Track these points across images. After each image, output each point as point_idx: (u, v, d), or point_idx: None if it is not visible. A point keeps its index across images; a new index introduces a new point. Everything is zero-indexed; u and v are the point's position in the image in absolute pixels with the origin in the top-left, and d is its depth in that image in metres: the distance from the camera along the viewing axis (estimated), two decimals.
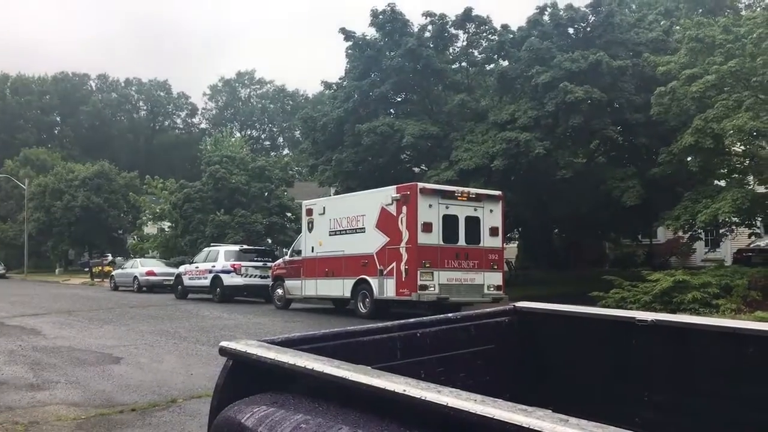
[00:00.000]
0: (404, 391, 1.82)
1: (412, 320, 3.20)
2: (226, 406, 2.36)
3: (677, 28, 23.80)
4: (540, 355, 3.51)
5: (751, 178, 19.57)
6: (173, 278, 27.67)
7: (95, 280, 41.58)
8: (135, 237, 46.52)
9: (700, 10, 36.93)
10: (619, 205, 21.55)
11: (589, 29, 23.96)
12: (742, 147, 18.83)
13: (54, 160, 65.16)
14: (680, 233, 22.80)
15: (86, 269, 48.24)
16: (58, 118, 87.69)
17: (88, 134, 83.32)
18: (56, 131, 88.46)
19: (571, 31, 24.57)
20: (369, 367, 2.10)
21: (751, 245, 24.12)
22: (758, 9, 27.44)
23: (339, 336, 2.86)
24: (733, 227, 20.59)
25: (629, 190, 20.82)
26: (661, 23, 25.10)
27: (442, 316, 3.36)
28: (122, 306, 21.89)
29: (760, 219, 20.78)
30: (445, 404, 1.70)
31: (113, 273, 35.45)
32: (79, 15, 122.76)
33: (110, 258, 47.90)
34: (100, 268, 43.23)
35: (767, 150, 18.71)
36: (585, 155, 24.07)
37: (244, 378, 2.46)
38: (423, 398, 1.76)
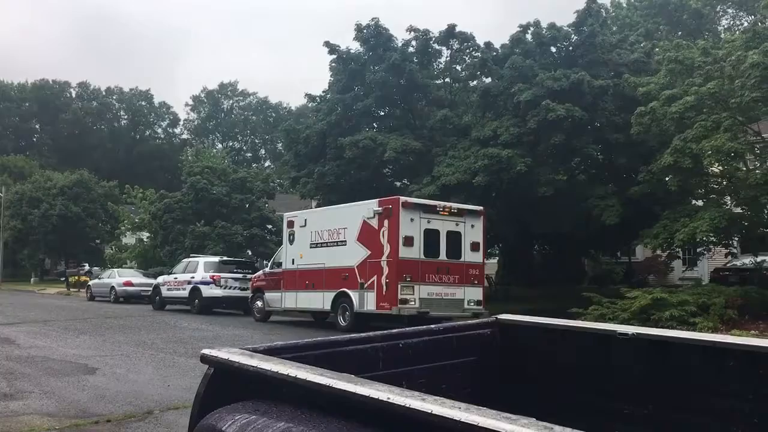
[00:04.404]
0: (388, 399, 1.81)
1: (394, 331, 3.20)
2: (206, 414, 2.33)
3: (657, 49, 24.18)
4: (521, 367, 3.51)
5: (728, 198, 19.83)
6: (151, 289, 27.37)
7: (71, 290, 40.98)
8: (113, 247, 45.98)
9: (680, 33, 37.61)
10: (599, 223, 21.70)
11: (571, 48, 24.22)
12: (720, 167, 19.08)
13: (32, 168, 64.39)
14: (659, 251, 23.00)
15: (62, 279, 47.56)
16: (37, 126, 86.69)
17: (67, 142, 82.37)
18: (35, 139, 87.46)
19: (553, 49, 24.83)
20: (353, 375, 2.09)
21: (728, 265, 24.38)
22: (737, 32, 27.96)
23: (321, 345, 2.85)
24: (711, 246, 20.81)
25: (609, 209, 20.98)
26: (642, 44, 25.44)
27: (424, 327, 3.36)
28: (99, 316, 21.60)
29: (736, 239, 21.04)
30: (429, 412, 1.70)
31: (90, 283, 34.95)
32: (56, 22, 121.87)
33: (87, 268, 47.29)
34: (76, 277, 42.63)
35: (744, 171, 18.98)
36: (566, 173, 24.28)
37: (225, 386, 2.44)
38: (407, 406, 1.75)
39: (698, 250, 22.02)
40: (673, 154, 17.77)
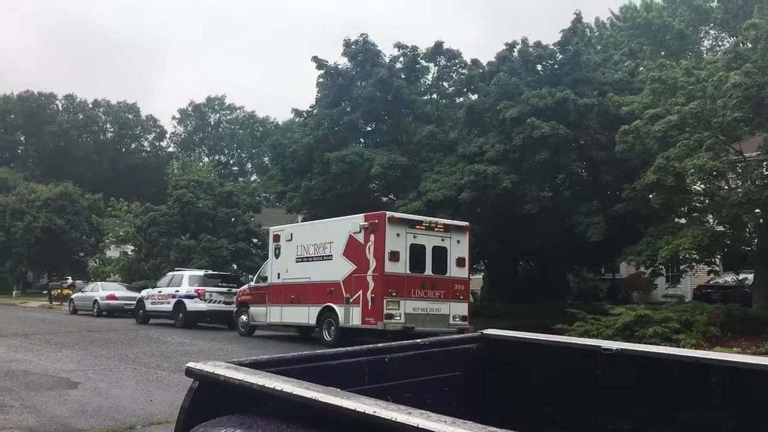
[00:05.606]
0: (374, 412, 1.81)
1: (380, 345, 3.20)
2: (191, 428, 2.32)
3: (641, 69, 24.48)
4: (507, 382, 3.52)
5: (710, 216, 20.04)
6: (135, 302, 27.13)
7: (54, 303, 40.51)
8: (97, 260, 45.57)
9: (663, 53, 38.11)
10: (584, 240, 21.84)
11: (556, 67, 24.45)
12: (703, 186, 19.30)
13: (16, 180, 63.85)
14: (642, 268, 23.18)
15: (45, 292, 47.04)
16: (22, 138, 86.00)
17: (52, 155, 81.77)
18: (20, 151, 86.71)
19: (539, 68, 25.05)
20: (338, 389, 2.09)
21: (711, 282, 24.59)
22: (719, 53, 28.38)
23: (307, 359, 2.85)
24: (693, 264, 21.00)
25: (593, 226, 21.12)
26: (626, 63, 25.75)
27: (410, 341, 3.36)
28: (81, 330, 21.37)
29: (719, 256, 21.24)
30: (415, 426, 1.70)
31: (73, 296, 34.58)
32: (43, 34, 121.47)
33: (70, 281, 46.81)
34: (59, 291, 42.14)
35: (726, 190, 19.20)
36: (551, 189, 24.39)
37: (210, 399, 2.43)
38: (393, 420, 1.76)
39: (681, 267, 22.20)
40: (656, 172, 17.96)
